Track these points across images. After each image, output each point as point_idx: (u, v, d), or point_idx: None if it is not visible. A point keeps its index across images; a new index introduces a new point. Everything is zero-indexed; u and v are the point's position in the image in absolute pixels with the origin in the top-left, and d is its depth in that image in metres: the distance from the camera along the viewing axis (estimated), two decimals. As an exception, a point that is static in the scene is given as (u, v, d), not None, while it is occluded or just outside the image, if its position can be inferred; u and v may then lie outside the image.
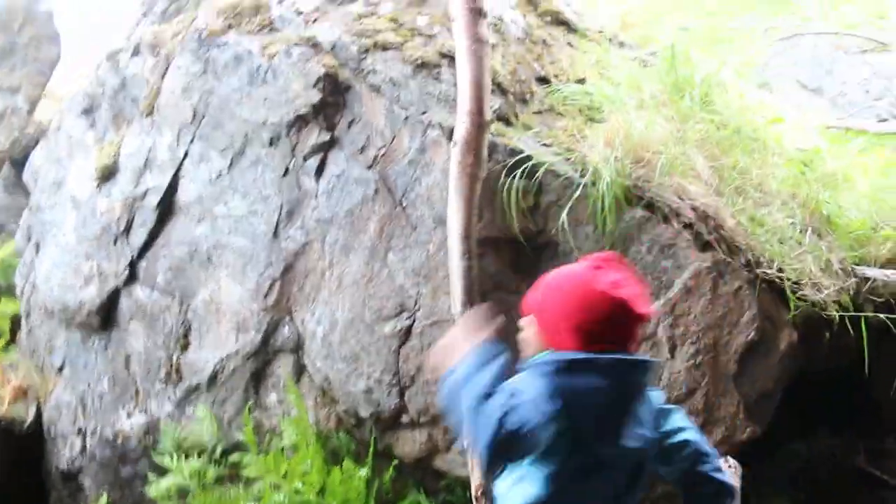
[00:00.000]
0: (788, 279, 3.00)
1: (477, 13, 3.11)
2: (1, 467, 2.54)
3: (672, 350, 2.99)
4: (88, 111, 4.19)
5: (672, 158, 3.10)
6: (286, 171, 3.42)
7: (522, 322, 1.90)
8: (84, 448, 3.92)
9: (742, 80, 3.76)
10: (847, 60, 6.51)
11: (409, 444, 3.24)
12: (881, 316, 3.02)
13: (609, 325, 1.76)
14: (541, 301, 1.86)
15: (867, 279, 3.21)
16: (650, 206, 3.03)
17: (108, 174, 3.93)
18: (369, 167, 3.27)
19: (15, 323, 4.52)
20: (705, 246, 2.99)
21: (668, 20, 6.64)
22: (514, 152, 3.05)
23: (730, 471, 2.75)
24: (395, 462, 3.26)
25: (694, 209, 3.03)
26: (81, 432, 3.95)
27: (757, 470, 2.90)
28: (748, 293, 2.95)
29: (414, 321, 3.17)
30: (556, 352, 1.79)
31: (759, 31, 6.55)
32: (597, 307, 1.75)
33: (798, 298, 2.98)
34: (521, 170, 3.00)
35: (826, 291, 3.04)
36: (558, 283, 1.85)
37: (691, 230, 3.00)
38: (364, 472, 3.19)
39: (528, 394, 1.67)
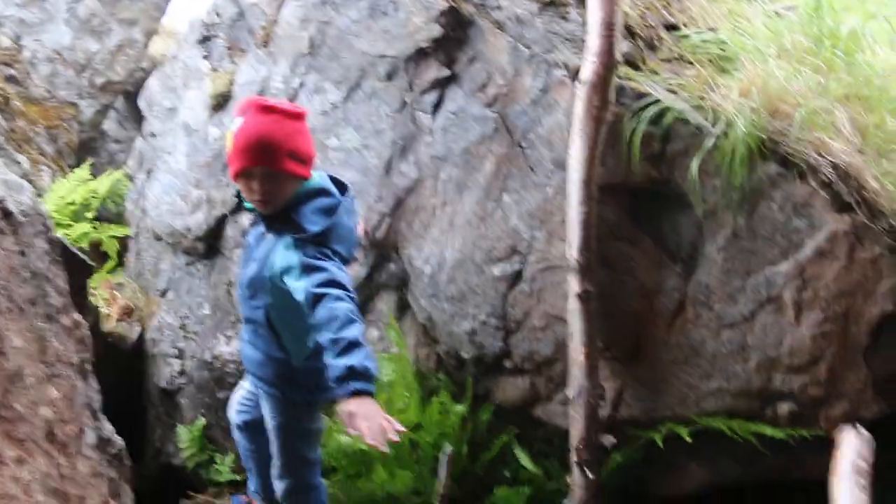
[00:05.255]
0: (936, 250, 2.79)
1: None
2: (106, 381, 2.63)
3: (797, 315, 2.83)
4: (204, 40, 4.22)
5: (812, 112, 2.90)
6: (402, 106, 3.36)
7: None
8: (183, 370, 4.01)
9: (890, 39, 3.48)
10: None
11: (510, 389, 3.19)
12: None
13: None
14: None
15: None
16: (785, 161, 2.85)
17: (222, 102, 3.95)
18: (489, 105, 3.17)
19: (123, 246, 4.65)
20: (843, 207, 2.79)
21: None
22: (641, 96, 2.92)
23: (860, 439, 2.61)
24: (493, 407, 3.22)
25: (834, 167, 2.83)
26: (181, 354, 4.04)
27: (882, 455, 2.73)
28: (889, 261, 2.75)
29: (525, 265, 3.09)
30: None
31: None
32: None
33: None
34: (648, 115, 2.87)
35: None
36: None
37: (829, 189, 2.80)
38: (461, 408, 3.15)
39: None
